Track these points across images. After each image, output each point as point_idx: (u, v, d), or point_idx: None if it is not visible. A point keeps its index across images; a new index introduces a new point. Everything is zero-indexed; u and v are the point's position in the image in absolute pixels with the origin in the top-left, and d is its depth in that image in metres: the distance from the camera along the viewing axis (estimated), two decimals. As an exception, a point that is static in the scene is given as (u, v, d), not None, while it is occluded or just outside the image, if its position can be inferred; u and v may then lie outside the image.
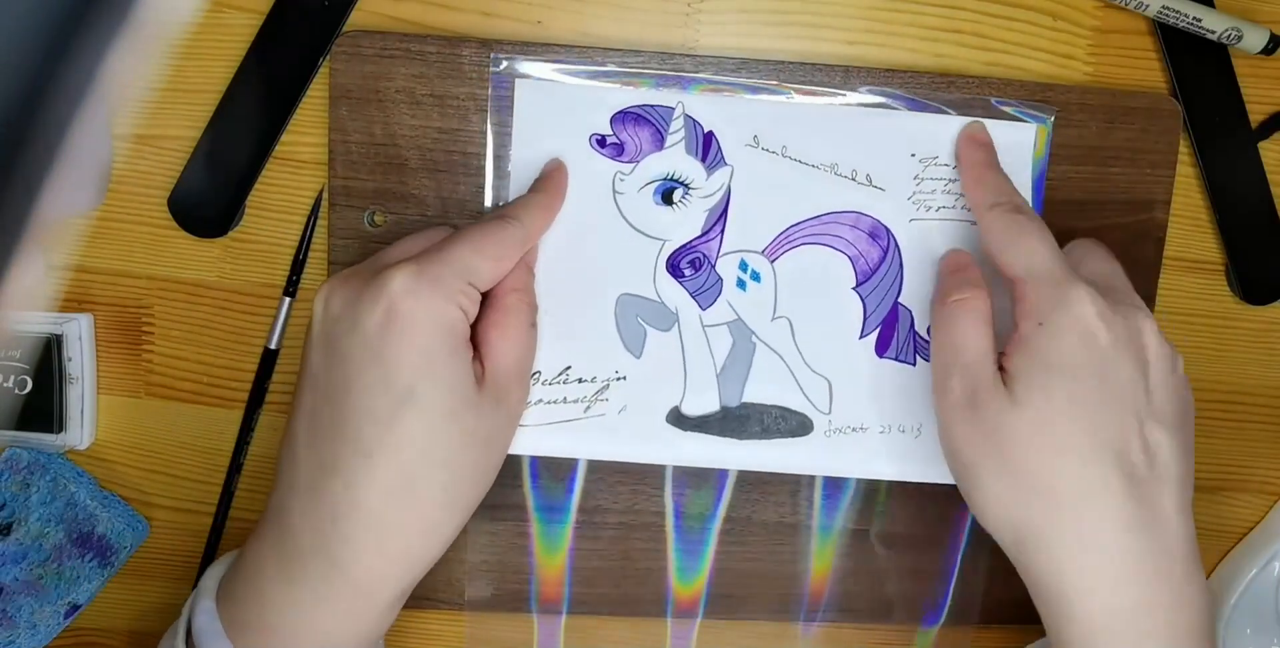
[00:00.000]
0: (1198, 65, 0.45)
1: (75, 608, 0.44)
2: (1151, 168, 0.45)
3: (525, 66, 0.42)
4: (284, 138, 0.44)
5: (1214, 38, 0.44)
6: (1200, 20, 0.43)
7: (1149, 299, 0.46)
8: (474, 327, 0.38)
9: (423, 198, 0.43)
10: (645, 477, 0.45)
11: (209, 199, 0.44)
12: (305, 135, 0.44)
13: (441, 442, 0.36)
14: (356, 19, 0.43)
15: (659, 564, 0.46)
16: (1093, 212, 0.45)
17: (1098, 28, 0.45)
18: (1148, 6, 0.43)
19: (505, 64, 0.42)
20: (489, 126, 0.42)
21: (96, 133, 0.16)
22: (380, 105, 0.42)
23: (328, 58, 0.42)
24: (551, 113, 0.42)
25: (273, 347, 0.45)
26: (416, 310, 0.35)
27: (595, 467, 0.45)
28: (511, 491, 0.45)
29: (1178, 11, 0.43)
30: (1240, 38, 0.44)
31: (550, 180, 0.42)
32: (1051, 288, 0.37)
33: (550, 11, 0.44)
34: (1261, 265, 0.47)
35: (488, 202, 0.43)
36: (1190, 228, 0.47)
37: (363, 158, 0.43)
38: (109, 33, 0.16)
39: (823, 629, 0.48)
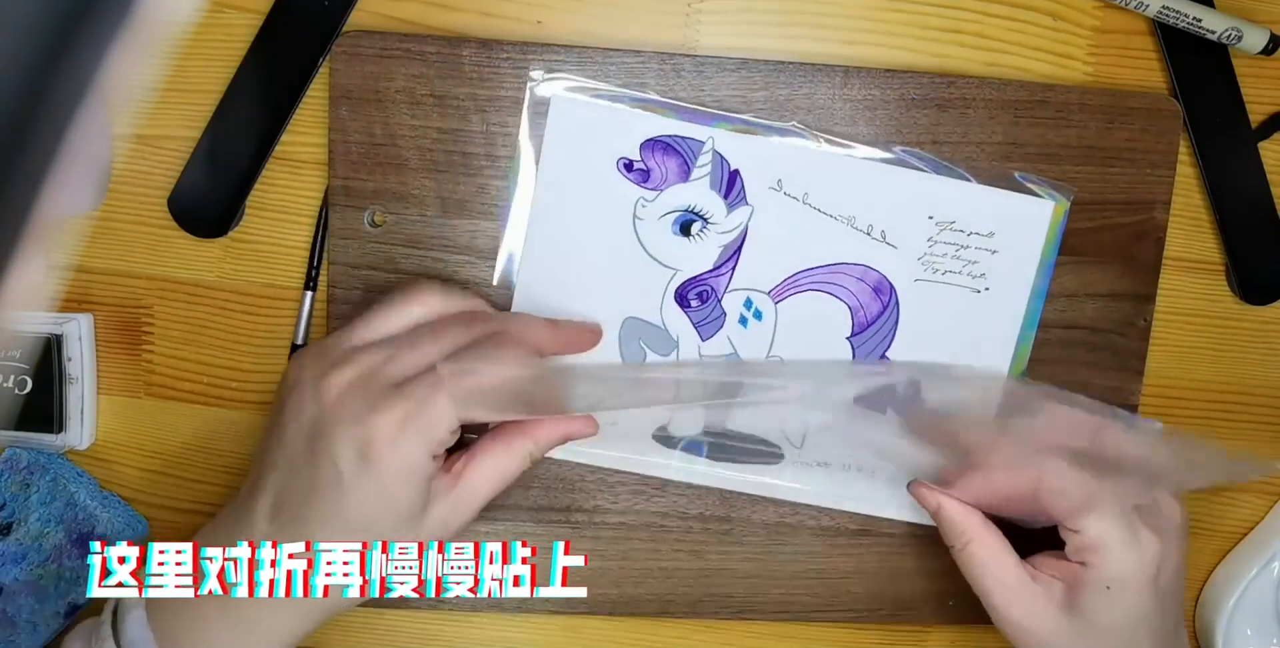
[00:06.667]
0: (1198, 65, 0.45)
1: (75, 608, 0.44)
2: (1151, 168, 0.45)
3: (561, 85, 0.42)
4: (284, 138, 0.43)
5: (1214, 38, 0.44)
6: (1200, 20, 0.43)
7: (1149, 299, 0.46)
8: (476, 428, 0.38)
9: (423, 198, 0.43)
10: (645, 478, 0.45)
11: (209, 199, 0.44)
12: (305, 135, 0.44)
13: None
14: (356, 19, 0.43)
15: (658, 564, 0.46)
16: (1093, 212, 0.45)
17: (1098, 28, 0.45)
18: (1148, 6, 0.43)
19: (542, 80, 0.42)
20: (525, 139, 0.42)
21: (96, 133, 0.16)
22: (380, 105, 0.42)
23: (328, 58, 0.42)
24: (583, 133, 0.43)
25: (299, 342, 0.45)
26: (393, 463, 0.35)
27: (596, 468, 0.45)
28: (510, 491, 0.45)
29: (1178, 11, 0.43)
30: (1240, 38, 0.44)
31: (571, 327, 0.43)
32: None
33: (550, 11, 0.44)
34: (1261, 265, 0.47)
35: (514, 206, 0.43)
36: (1190, 228, 0.47)
37: (363, 158, 0.43)
38: (109, 33, 0.16)
39: (824, 630, 0.48)
